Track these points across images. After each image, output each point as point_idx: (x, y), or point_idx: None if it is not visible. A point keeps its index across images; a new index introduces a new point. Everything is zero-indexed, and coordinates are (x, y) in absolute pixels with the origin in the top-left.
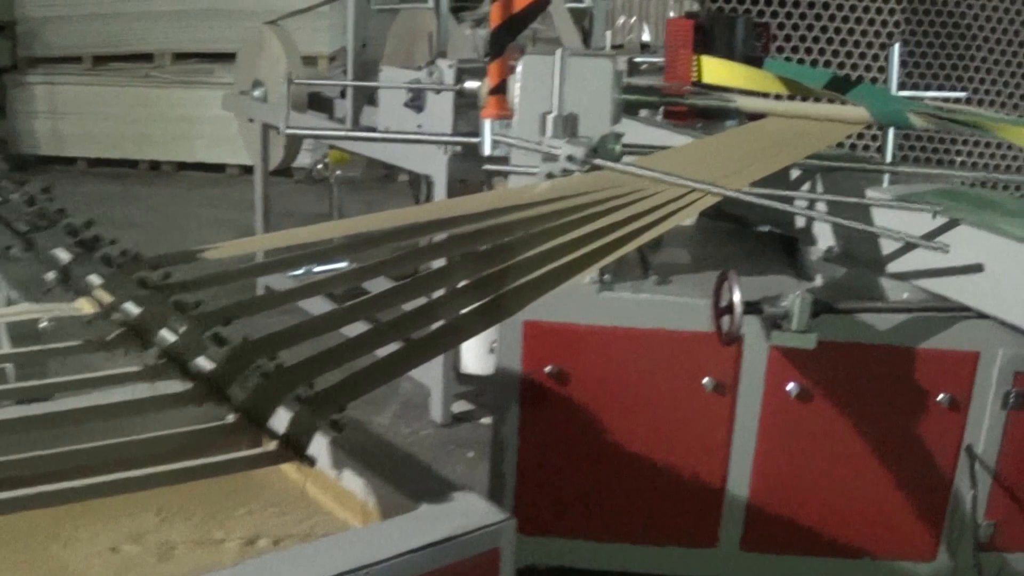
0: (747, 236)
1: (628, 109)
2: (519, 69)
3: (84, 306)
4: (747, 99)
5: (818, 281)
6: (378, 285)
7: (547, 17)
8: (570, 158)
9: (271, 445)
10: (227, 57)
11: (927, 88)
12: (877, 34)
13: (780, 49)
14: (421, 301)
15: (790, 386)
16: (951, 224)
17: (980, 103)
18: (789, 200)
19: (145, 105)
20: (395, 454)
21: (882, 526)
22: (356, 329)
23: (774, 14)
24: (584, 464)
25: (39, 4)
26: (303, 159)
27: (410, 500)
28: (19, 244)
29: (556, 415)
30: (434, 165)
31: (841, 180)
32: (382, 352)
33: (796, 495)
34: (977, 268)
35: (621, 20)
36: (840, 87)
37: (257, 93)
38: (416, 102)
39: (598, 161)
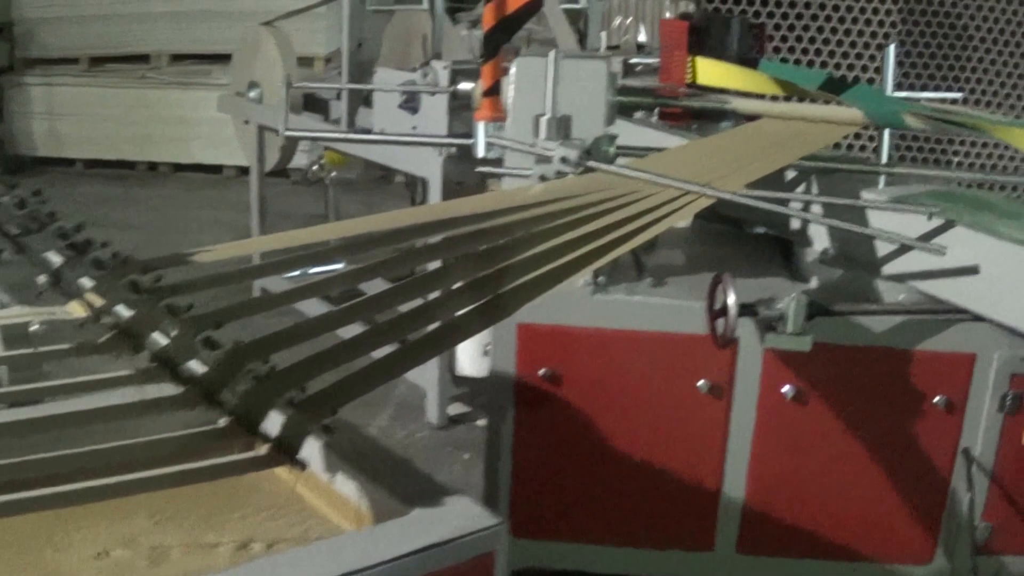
0: (742, 238)
1: (623, 111)
2: (512, 71)
3: (75, 309)
4: (742, 100)
5: (813, 283)
6: (373, 287)
7: (543, 18)
8: (563, 160)
9: (263, 449)
10: (224, 58)
11: (924, 89)
12: (874, 35)
13: (776, 50)
14: (414, 303)
15: (786, 388)
16: (947, 226)
17: (976, 103)
18: (784, 202)
19: (142, 106)
20: (388, 457)
21: (879, 529)
22: (350, 331)
23: (770, 15)
24: (579, 467)
25: (36, 5)
26: (300, 160)
27: (403, 504)
28: (10, 247)
29: (551, 418)
30: (429, 167)
31: (837, 181)
32: (375, 354)
33: (793, 498)
34: (973, 270)
35: (617, 21)
36: (835, 88)
37: (253, 94)
38: (411, 104)
39: (592, 163)
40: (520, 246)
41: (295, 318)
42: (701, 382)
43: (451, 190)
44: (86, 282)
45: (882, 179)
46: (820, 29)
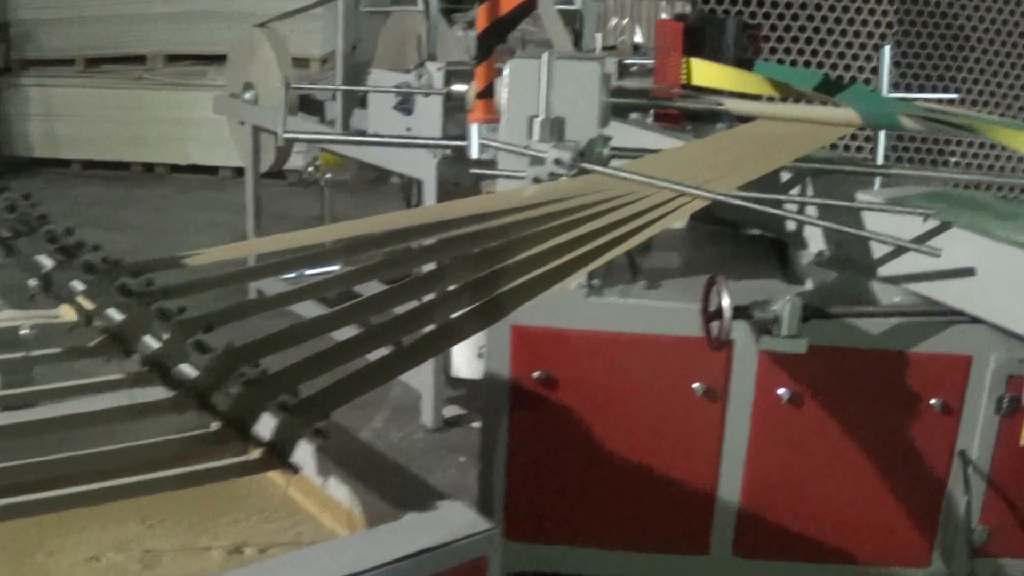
0: (738, 240)
1: (618, 112)
2: (506, 72)
3: (67, 313)
4: (736, 102)
5: (809, 285)
6: (368, 290)
7: (538, 19)
8: (557, 162)
9: (255, 453)
10: (220, 59)
11: (921, 89)
12: (870, 35)
13: (773, 50)
14: (406, 306)
15: (781, 391)
16: (943, 227)
17: (973, 104)
18: (779, 203)
19: (138, 107)
20: (381, 461)
21: (875, 532)
22: (343, 334)
23: (766, 15)
24: (574, 470)
25: (32, 6)
26: (296, 161)
27: (396, 508)
28: (1, 251)
29: (545, 421)
30: (423, 169)
31: (832, 183)
32: (369, 357)
33: (788, 501)
34: (969, 272)
35: (613, 22)
36: (830, 89)
37: (248, 96)
38: (405, 105)
39: (585, 165)
40: (514, 248)
41: (292, 320)
42: (696, 385)
43: (447, 191)
44: (77, 285)
45: (877, 180)
46: (816, 30)
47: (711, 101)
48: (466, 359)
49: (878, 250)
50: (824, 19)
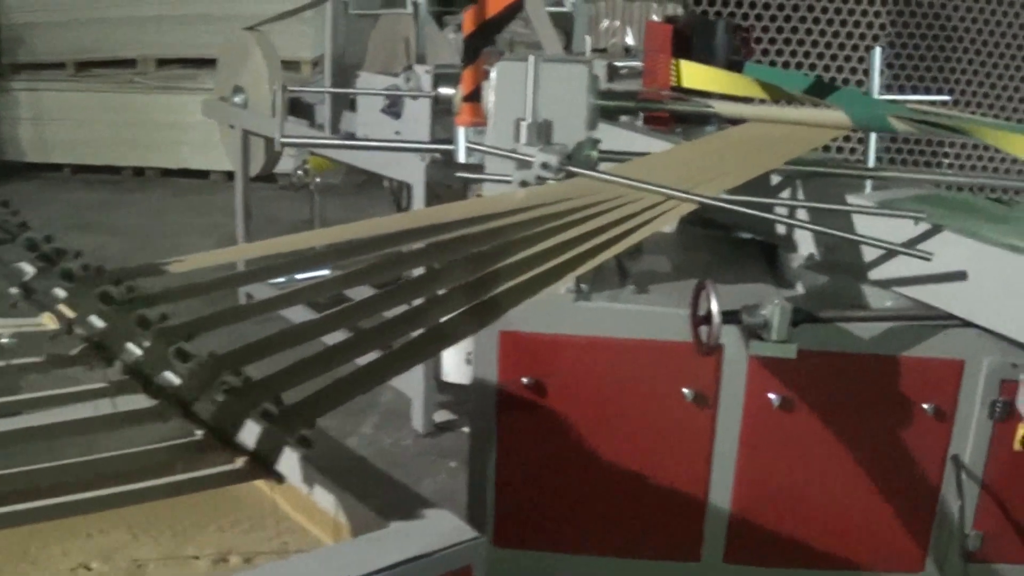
0: (728, 243)
1: (608, 114)
2: (493, 75)
3: (47, 321)
4: (726, 104)
5: (799, 289)
6: (356, 295)
7: (529, 21)
8: (544, 165)
9: (239, 462)
10: (212, 63)
11: (914, 91)
12: (863, 36)
13: (765, 52)
14: (392, 312)
15: (772, 396)
16: (934, 230)
17: (967, 105)
18: (769, 207)
19: (129, 111)
20: (367, 469)
21: (868, 537)
22: (333, 339)
23: (758, 17)
24: (564, 476)
25: (23, 10)
26: (287, 165)
27: (382, 517)
28: None
29: (534, 427)
30: (412, 172)
31: (823, 186)
32: (353, 364)
33: (780, 507)
34: (961, 275)
35: (605, 24)
36: (820, 91)
37: (238, 99)
38: (393, 108)
39: (573, 168)
40: (502, 253)
41: (283, 326)
42: (686, 390)
43: (436, 195)
44: (59, 293)
45: (869, 183)
46: (809, 31)
47: (700, 104)
48: (456, 364)
49: (869, 253)
50: (816, 21)
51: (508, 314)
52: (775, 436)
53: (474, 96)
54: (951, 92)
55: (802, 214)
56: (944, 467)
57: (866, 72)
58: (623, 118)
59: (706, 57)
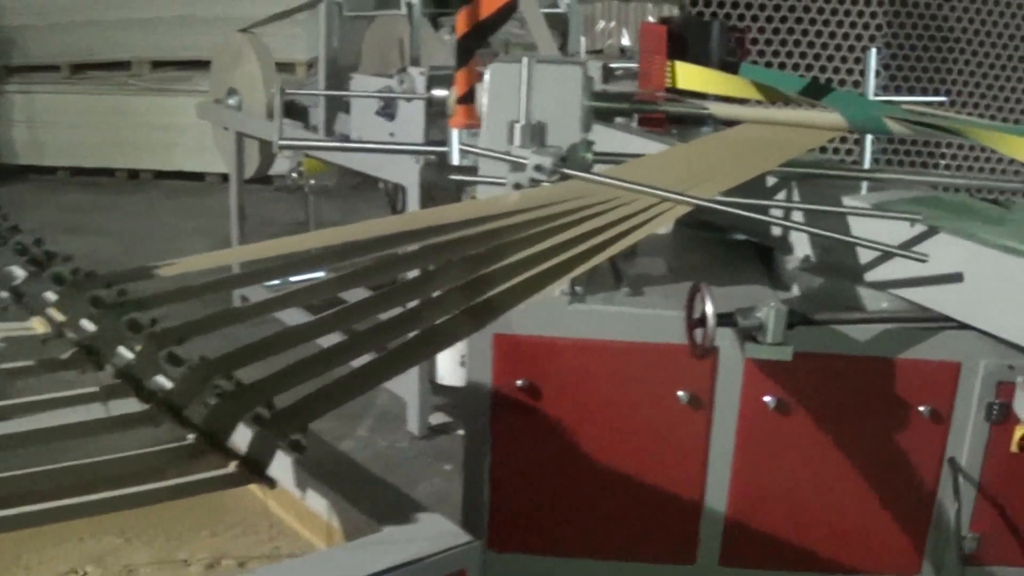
0: (723, 245)
1: (603, 116)
2: (486, 77)
3: (37, 325)
4: (721, 105)
5: (795, 291)
6: (349, 297)
7: (524, 22)
8: (538, 168)
9: (231, 466)
10: (206, 64)
11: (911, 92)
12: (859, 38)
13: (761, 53)
14: (381, 318)
15: (767, 399)
16: (930, 232)
17: (963, 106)
18: (764, 209)
19: (123, 113)
20: (360, 473)
21: (864, 540)
22: (327, 342)
23: (754, 18)
24: (559, 480)
25: (16, 13)
26: (282, 166)
27: (375, 521)
28: None
29: (529, 430)
30: (406, 174)
31: (818, 187)
32: (345, 368)
33: (776, 509)
34: (957, 277)
35: (600, 25)
36: (816, 93)
37: (232, 101)
38: (388, 110)
39: (567, 170)
40: (497, 255)
41: (278, 328)
42: (681, 393)
43: (431, 197)
44: (50, 297)
45: (864, 184)
46: (805, 32)
47: (696, 105)
48: (451, 366)
49: (865, 255)
50: (812, 22)
51: (503, 316)
52: (771, 439)
53: (468, 98)
54: (947, 93)
55: (798, 216)
56: (941, 469)
57: (862, 73)
58: (618, 119)
59: (701, 58)
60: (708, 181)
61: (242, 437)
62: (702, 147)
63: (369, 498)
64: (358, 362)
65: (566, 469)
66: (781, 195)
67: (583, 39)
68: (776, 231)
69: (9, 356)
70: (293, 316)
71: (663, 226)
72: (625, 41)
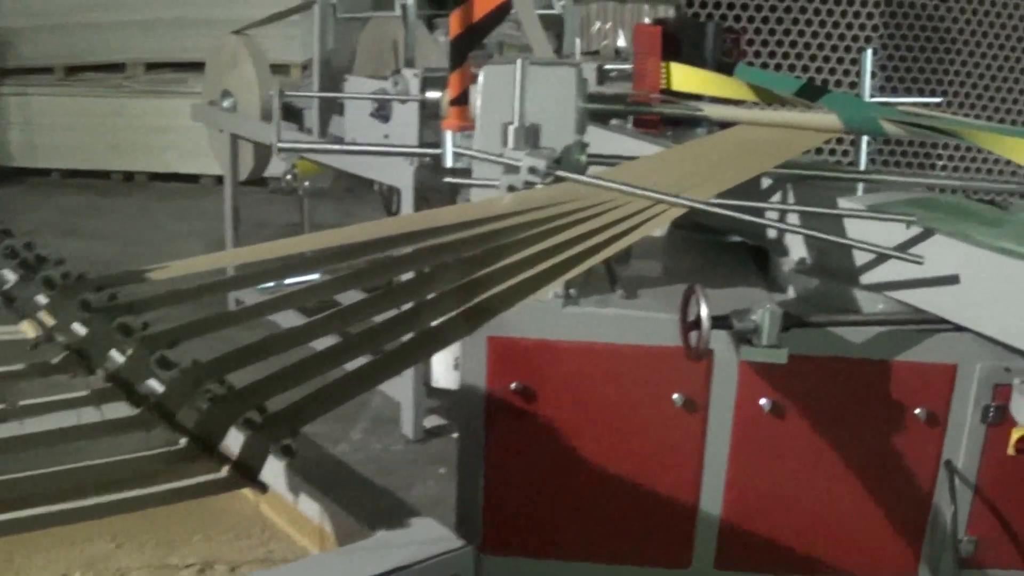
0: (718, 247)
1: (598, 118)
2: (480, 79)
3: (28, 329)
4: (716, 107)
5: (790, 293)
6: (343, 299)
7: (520, 24)
8: (532, 170)
9: (223, 471)
10: (201, 66)
11: (908, 92)
12: (855, 38)
13: (757, 54)
14: (375, 320)
15: (762, 401)
16: (926, 234)
17: (960, 107)
18: (759, 210)
19: (118, 115)
20: (353, 477)
21: (860, 543)
22: (321, 345)
23: (750, 19)
24: (553, 483)
25: (10, 14)
26: (277, 168)
27: (367, 525)
28: None
29: (523, 433)
30: (401, 176)
31: (814, 189)
32: (336, 372)
33: (771, 512)
34: (953, 279)
35: (596, 26)
36: (811, 94)
37: (227, 103)
38: (382, 112)
39: (561, 172)
40: (490, 258)
41: (273, 331)
42: (676, 395)
43: (428, 199)
44: (41, 300)
45: (860, 186)
46: (801, 33)
47: (690, 106)
48: (445, 369)
49: (860, 257)
50: (808, 23)
51: (496, 319)
52: (766, 441)
53: (461, 100)
54: (944, 94)
55: (793, 218)
56: (937, 472)
57: (858, 74)
58: (613, 121)
59: (696, 59)
60: (703, 183)
61: (235, 441)
62: (697, 149)
63: (361, 503)
64: (352, 365)
65: (560, 472)
66: (776, 197)
67: (578, 40)
68: (771, 233)
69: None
70: (288, 319)
71: (658, 228)
72: (621, 42)
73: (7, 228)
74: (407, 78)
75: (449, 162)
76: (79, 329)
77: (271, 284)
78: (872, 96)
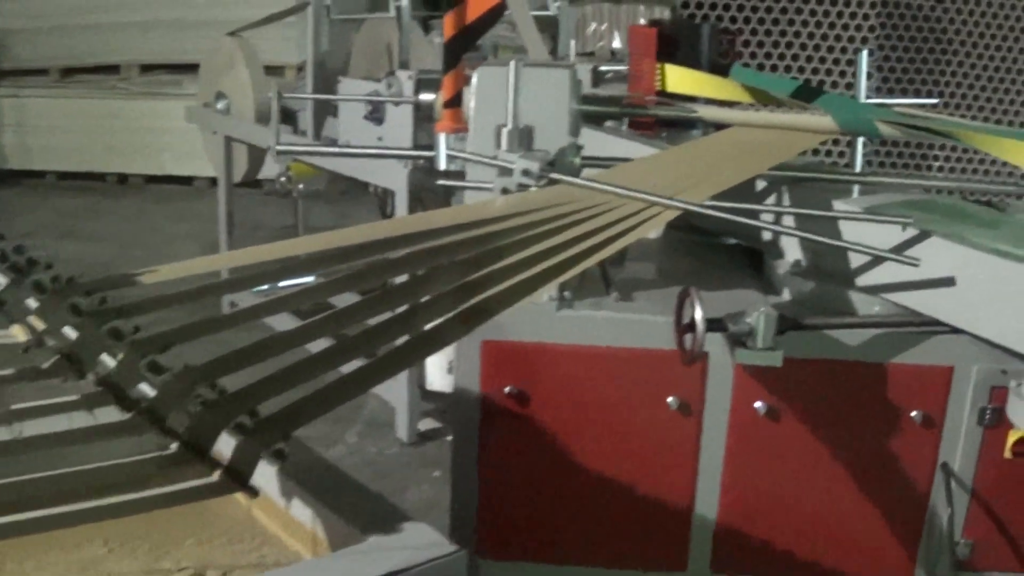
0: (714, 249)
1: (592, 120)
2: (473, 81)
3: (18, 333)
4: (711, 109)
5: (786, 295)
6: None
7: (515, 26)
8: (525, 172)
9: (214, 476)
10: (195, 68)
11: (904, 93)
12: (851, 39)
13: (753, 55)
14: (369, 323)
15: (758, 404)
16: (922, 236)
17: (956, 108)
18: (754, 213)
19: (113, 117)
20: (346, 482)
21: (856, 547)
22: (304, 352)
23: (746, 20)
24: (548, 487)
25: (5, 16)
26: (272, 170)
27: (360, 530)
28: None
29: (518, 437)
30: (395, 179)
31: (809, 191)
32: (329, 375)
33: (767, 516)
34: (949, 281)
35: (592, 27)
36: (806, 95)
37: (221, 105)
38: (376, 114)
39: (554, 175)
40: (484, 260)
41: (267, 335)
42: (671, 399)
43: (422, 200)
44: (32, 304)
45: (856, 188)
46: (797, 34)
47: (686, 108)
48: (440, 372)
49: (856, 259)
50: (804, 24)
51: (490, 323)
52: (761, 445)
53: (455, 102)
54: (940, 95)
55: (788, 220)
56: (933, 475)
57: (854, 75)
58: (608, 123)
59: (692, 61)
60: (698, 185)
61: (227, 445)
62: (692, 151)
63: (354, 507)
64: (346, 368)
65: (555, 476)
66: (771, 199)
67: (573, 42)
68: (766, 235)
69: None
70: (283, 323)
71: (653, 230)
72: (616, 44)
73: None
74: (401, 80)
75: (442, 164)
76: (70, 333)
77: (265, 287)
78: (868, 97)
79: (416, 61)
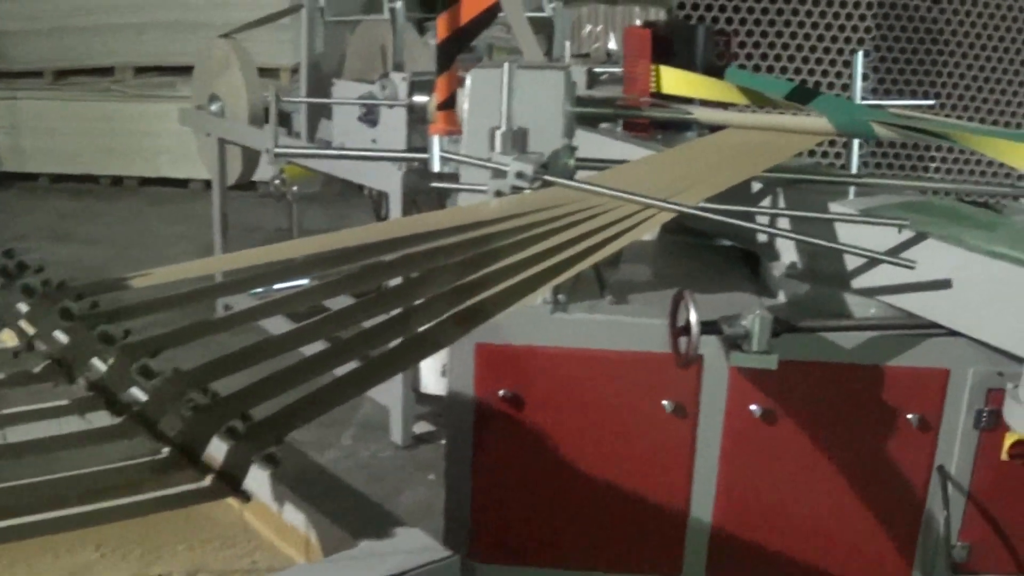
0: (709, 251)
1: (587, 122)
2: (467, 83)
3: (8, 338)
4: (706, 110)
5: (781, 298)
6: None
7: (509, 27)
8: (519, 175)
9: (206, 480)
10: (189, 70)
11: (899, 95)
12: (847, 40)
13: (749, 56)
14: (363, 326)
15: (753, 407)
16: (918, 238)
17: (953, 109)
18: (750, 215)
19: (107, 119)
20: (338, 486)
21: (852, 550)
22: (297, 355)
23: (742, 21)
24: (543, 490)
25: None
26: (266, 172)
27: (353, 535)
28: None
29: (512, 440)
30: (389, 181)
31: (805, 193)
32: (323, 378)
33: (762, 519)
34: (946, 284)
35: (587, 29)
36: (802, 97)
37: (214, 107)
38: (370, 116)
39: (548, 177)
40: (479, 263)
41: (262, 337)
42: (665, 402)
43: (416, 202)
44: (22, 308)
45: (852, 190)
46: (793, 35)
47: (681, 110)
48: (435, 375)
49: (852, 262)
50: (801, 25)
51: (484, 326)
52: (757, 448)
53: (448, 104)
54: (936, 97)
55: (784, 222)
56: (929, 478)
57: (850, 77)
58: (603, 125)
59: (687, 62)
60: (693, 187)
61: (219, 450)
62: (687, 152)
63: (347, 512)
64: (340, 370)
65: (550, 479)
66: (767, 201)
67: (568, 43)
68: (762, 237)
69: None
70: (277, 326)
71: (647, 233)
72: (612, 45)
73: None
74: (395, 82)
75: (436, 167)
76: (60, 337)
77: (259, 290)
78: (864, 99)
79: (411, 63)
